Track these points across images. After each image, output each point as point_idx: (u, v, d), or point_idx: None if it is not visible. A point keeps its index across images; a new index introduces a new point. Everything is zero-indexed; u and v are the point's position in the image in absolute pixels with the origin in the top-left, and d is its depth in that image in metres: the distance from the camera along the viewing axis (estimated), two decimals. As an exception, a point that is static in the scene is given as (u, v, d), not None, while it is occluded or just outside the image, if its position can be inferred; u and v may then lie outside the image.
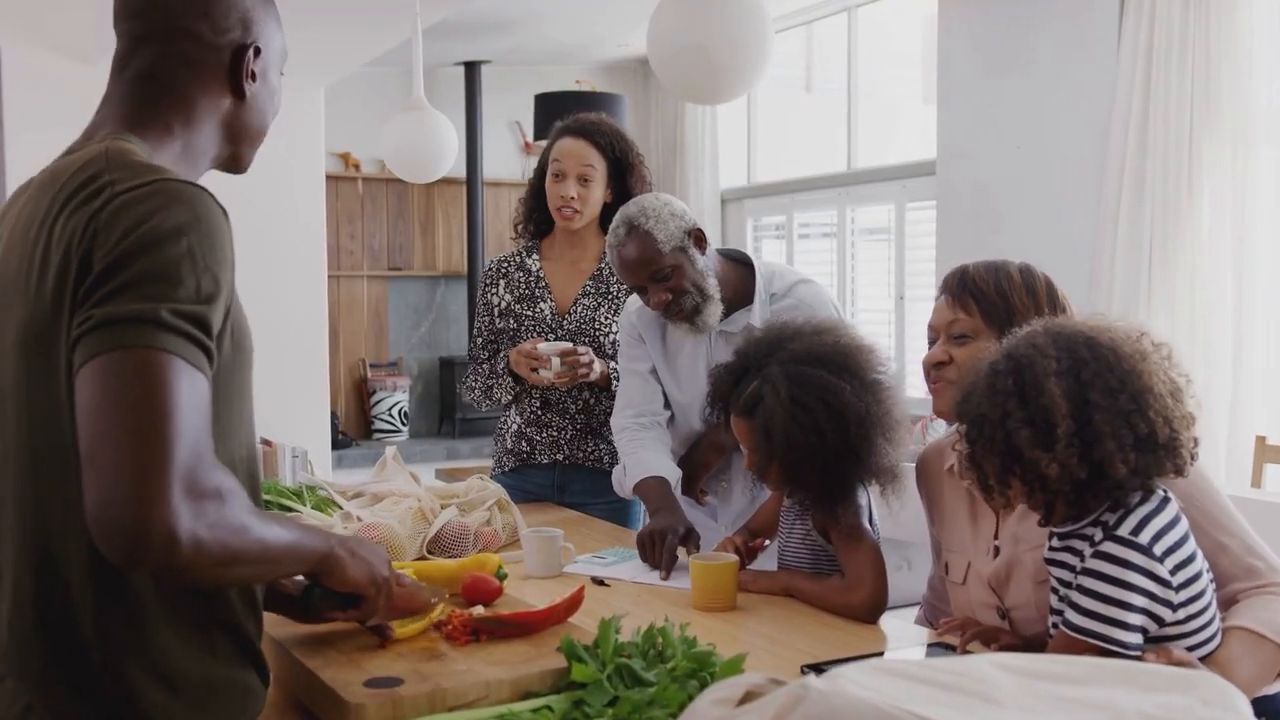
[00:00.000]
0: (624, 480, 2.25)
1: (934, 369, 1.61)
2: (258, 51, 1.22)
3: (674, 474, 2.19)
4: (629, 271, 2.13)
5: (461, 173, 6.39)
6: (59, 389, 1.04)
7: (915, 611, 1.91)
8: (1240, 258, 3.86)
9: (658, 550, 1.94)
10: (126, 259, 1.00)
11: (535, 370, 2.40)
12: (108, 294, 1.00)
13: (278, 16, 1.28)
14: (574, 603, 1.44)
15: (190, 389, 0.99)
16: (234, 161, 1.28)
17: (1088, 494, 1.27)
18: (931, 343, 1.64)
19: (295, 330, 4.54)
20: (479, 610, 1.44)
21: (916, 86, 7.52)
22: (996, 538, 1.58)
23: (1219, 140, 3.88)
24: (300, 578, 1.29)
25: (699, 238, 2.14)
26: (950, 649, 1.47)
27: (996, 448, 1.28)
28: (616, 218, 2.17)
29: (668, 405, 2.33)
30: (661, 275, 2.10)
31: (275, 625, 1.45)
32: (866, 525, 1.70)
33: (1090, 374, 1.26)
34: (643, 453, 2.22)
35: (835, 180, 6.19)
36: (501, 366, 2.53)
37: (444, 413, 6.97)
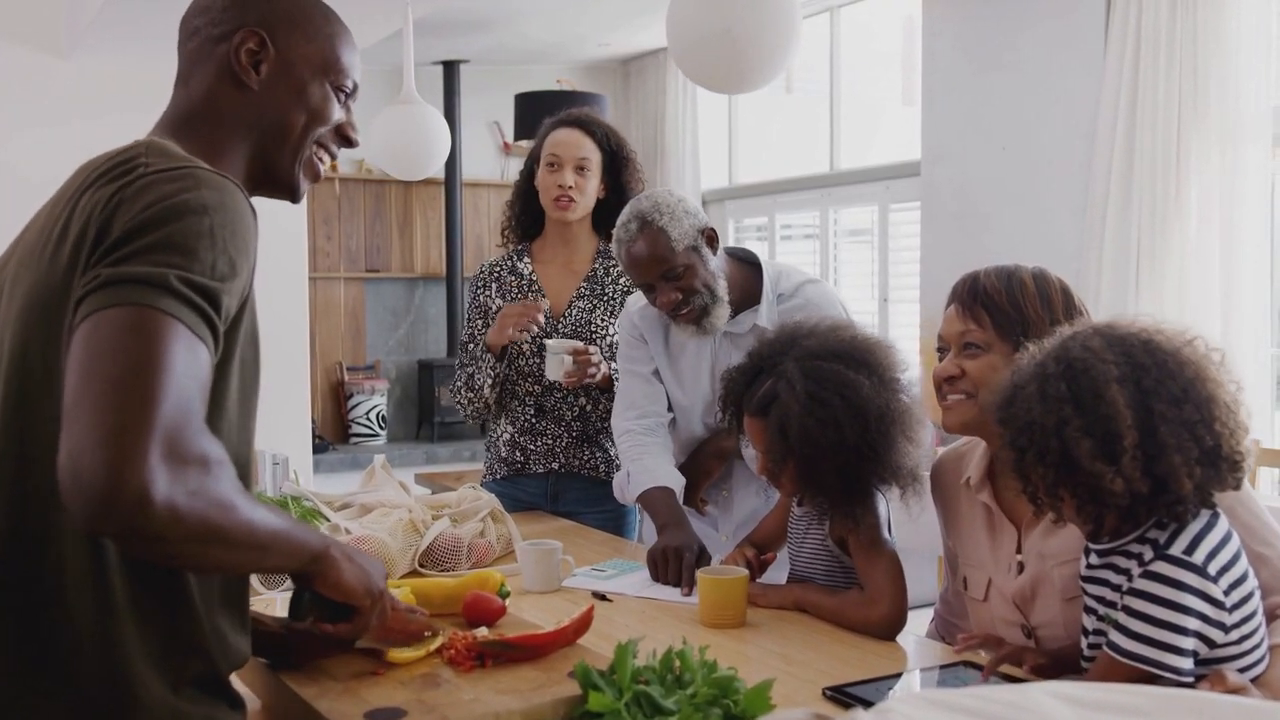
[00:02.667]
0: (626, 487, 2.18)
1: (945, 383, 1.54)
2: (260, 41, 1.20)
3: (679, 482, 2.13)
4: (639, 269, 2.06)
5: (440, 173, 6.31)
6: (58, 358, 0.99)
7: (919, 621, 1.85)
8: (1228, 258, 3.85)
9: (673, 569, 1.86)
10: (145, 227, 0.99)
11: (545, 356, 2.32)
12: (120, 257, 0.98)
13: (323, 27, 1.25)
14: (583, 623, 1.36)
15: (188, 354, 0.95)
16: (268, 172, 1.23)
17: (1142, 509, 1.21)
18: (941, 352, 1.57)
19: (275, 333, 4.40)
20: (482, 632, 1.37)
21: (896, 89, 7.51)
22: (1019, 553, 1.52)
23: (1206, 140, 3.86)
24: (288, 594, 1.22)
25: (711, 237, 2.08)
26: (974, 667, 1.41)
27: (1050, 458, 1.20)
28: (627, 212, 2.10)
29: (670, 408, 2.26)
30: (673, 274, 2.03)
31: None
32: (886, 534, 1.63)
33: (1152, 381, 1.19)
34: (647, 460, 2.15)
35: (817, 181, 6.15)
36: (480, 349, 2.45)
37: (422, 416, 6.88)
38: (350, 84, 1.27)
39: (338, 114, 1.26)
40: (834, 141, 6.17)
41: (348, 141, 1.28)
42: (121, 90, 3.48)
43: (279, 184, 1.26)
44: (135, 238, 0.99)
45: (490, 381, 2.43)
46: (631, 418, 2.23)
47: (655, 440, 2.19)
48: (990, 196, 4.69)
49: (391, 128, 3.38)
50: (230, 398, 1.08)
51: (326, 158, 1.28)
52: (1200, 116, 3.86)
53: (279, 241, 4.43)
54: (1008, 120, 4.60)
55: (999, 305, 1.50)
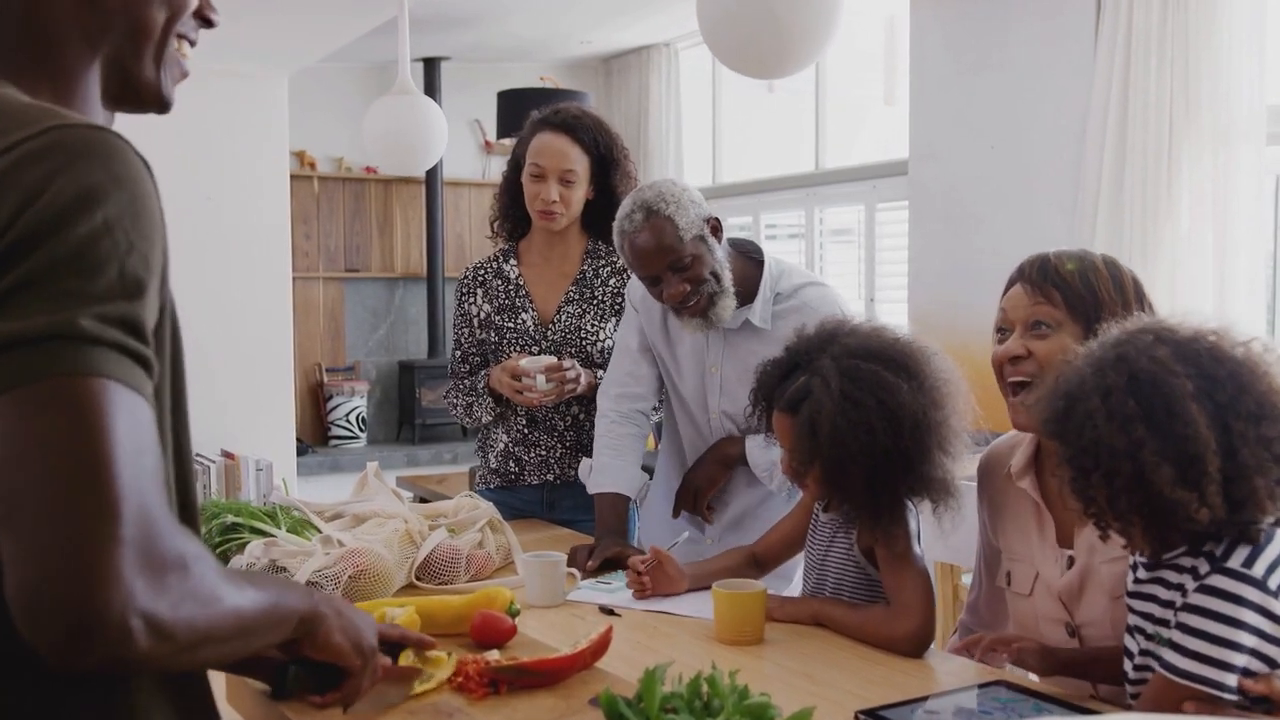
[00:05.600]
0: (588, 477, 2.20)
1: (1010, 364, 1.46)
2: None
3: (634, 484, 2.15)
4: (645, 260, 1.99)
5: (420, 172, 6.23)
6: None
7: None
8: (1221, 260, 3.82)
9: (580, 558, 1.95)
10: (24, 245, 0.76)
11: (520, 393, 2.26)
12: (3, 297, 0.76)
13: None
14: (601, 645, 1.30)
15: (132, 422, 0.78)
16: (129, 86, 0.96)
17: (1213, 530, 1.14)
18: (1001, 333, 1.49)
19: (258, 334, 4.32)
20: (494, 656, 1.30)
21: (877, 88, 7.46)
22: (1069, 547, 1.46)
23: (1198, 140, 3.83)
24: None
25: (716, 227, 2.02)
26: (1011, 687, 1.35)
27: (1120, 481, 1.12)
28: (630, 202, 2.02)
29: (660, 390, 2.26)
30: (680, 265, 1.97)
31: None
32: (916, 547, 1.57)
33: (1226, 396, 1.11)
34: (607, 456, 2.16)
35: (802, 180, 6.11)
36: (481, 385, 2.38)
37: (403, 418, 6.79)
38: None
39: None
40: (819, 140, 6.13)
41: (207, 22, 1.02)
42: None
43: (145, 97, 0.99)
44: (14, 263, 0.76)
45: (491, 418, 2.42)
46: (612, 395, 2.22)
47: (627, 432, 2.18)
48: (979, 196, 4.65)
49: (387, 120, 3.23)
50: (162, 412, 0.89)
51: (189, 49, 1.02)
52: (1192, 116, 3.83)
53: (264, 239, 4.35)
54: (997, 119, 4.57)
55: (1071, 284, 1.43)
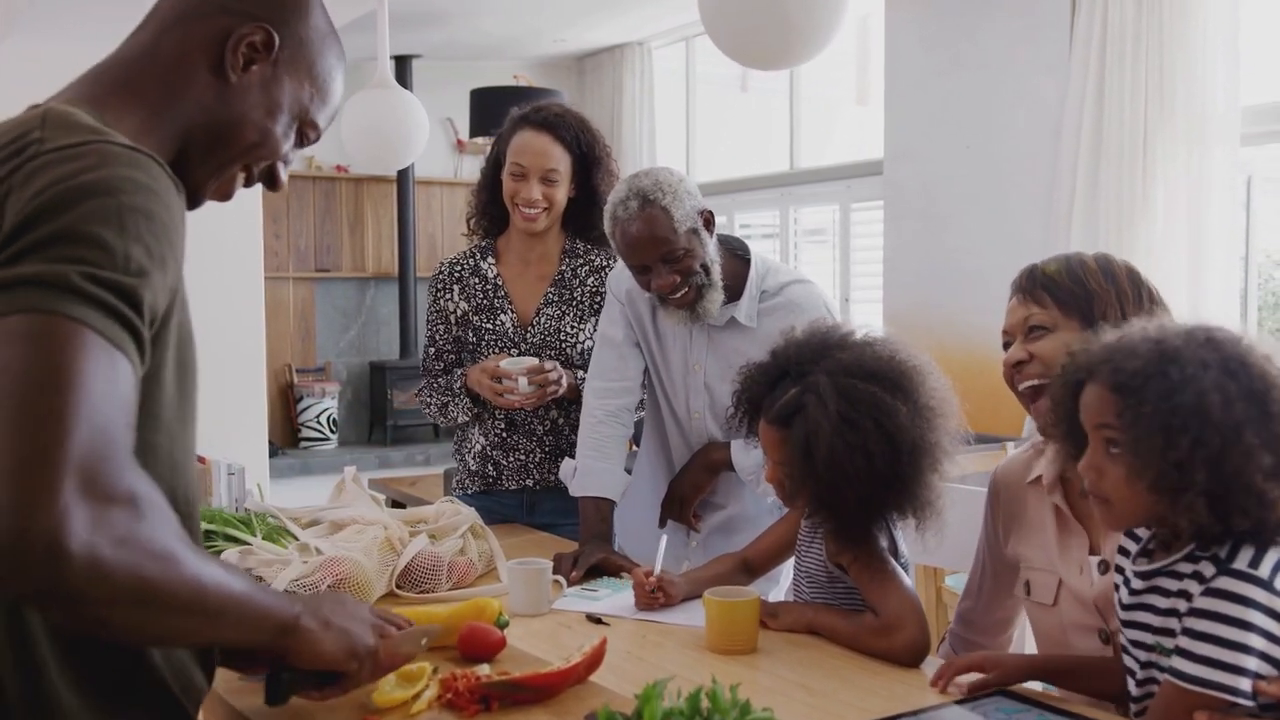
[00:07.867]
0: (570, 480, 2.15)
1: (1014, 370, 1.48)
2: (269, 44, 1.05)
3: (620, 489, 2.11)
4: (637, 249, 1.96)
5: (400, 168, 6.18)
6: None
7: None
8: (1196, 259, 3.84)
9: (564, 566, 1.89)
10: (38, 217, 0.82)
11: (501, 395, 2.22)
12: (8, 257, 0.81)
13: (332, 75, 1.11)
14: (595, 659, 1.26)
15: (104, 369, 0.79)
16: (178, 172, 1.02)
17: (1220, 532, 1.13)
18: (1007, 347, 1.52)
19: (229, 336, 4.25)
20: (484, 670, 1.26)
21: (849, 88, 7.48)
22: (1098, 553, 1.44)
23: (1173, 139, 3.85)
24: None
25: (709, 220, 1.99)
26: (1013, 698, 1.33)
27: (1206, 454, 1.07)
28: (624, 189, 1.98)
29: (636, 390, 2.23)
30: (673, 257, 1.94)
31: (236, 694, 1.25)
32: (892, 560, 1.54)
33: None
34: (591, 459, 2.11)
35: (777, 180, 6.09)
36: (458, 385, 2.33)
37: (374, 419, 6.73)
38: (315, 138, 1.14)
39: (284, 154, 1.11)
40: (794, 140, 6.11)
41: (272, 182, 1.13)
42: (60, 73, 3.30)
43: (191, 186, 1.07)
44: (26, 231, 0.82)
45: (468, 418, 2.38)
46: (599, 391, 2.17)
47: (611, 433, 2.14)
48: (954, 195, 4.65)
49: (366, 115, 3.12)
50: (165, 407, 0.93)
51: (241, 185, 1.12)
52: (1167, 115, 3.84)
53: (236, 238, 4.27)
54: (972, 118, 4.57)
55: (1060, 283, 1.46)
